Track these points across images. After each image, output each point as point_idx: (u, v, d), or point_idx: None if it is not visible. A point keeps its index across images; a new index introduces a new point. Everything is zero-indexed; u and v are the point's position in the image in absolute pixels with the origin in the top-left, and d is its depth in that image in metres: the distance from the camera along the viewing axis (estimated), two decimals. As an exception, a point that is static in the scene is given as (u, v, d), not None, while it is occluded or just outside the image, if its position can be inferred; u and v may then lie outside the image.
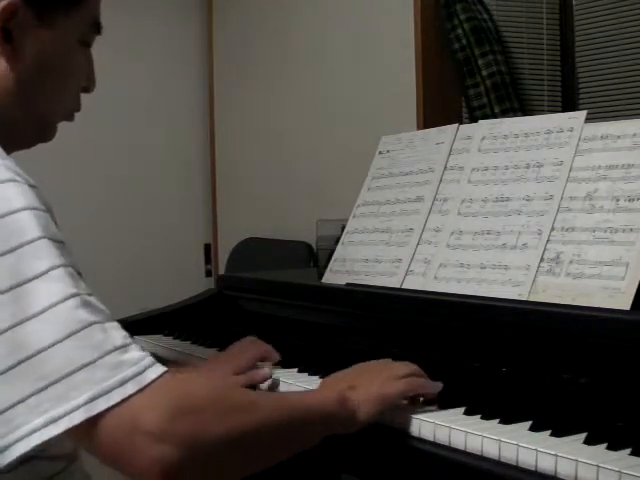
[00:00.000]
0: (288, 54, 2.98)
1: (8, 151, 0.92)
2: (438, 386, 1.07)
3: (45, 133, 1.06)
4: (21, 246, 0.81)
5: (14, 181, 0.83)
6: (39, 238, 0.82)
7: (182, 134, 3.43)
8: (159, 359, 0.85)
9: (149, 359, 0.82)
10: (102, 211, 3.19)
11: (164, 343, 1.57)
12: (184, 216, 3.43)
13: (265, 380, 1.24)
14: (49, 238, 0.83)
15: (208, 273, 3.45)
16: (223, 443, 0.83)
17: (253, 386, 1.23)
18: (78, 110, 1.08)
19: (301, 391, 1.10)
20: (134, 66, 3.23)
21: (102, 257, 3.06)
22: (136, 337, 1.63)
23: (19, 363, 0.78)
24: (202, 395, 0.84)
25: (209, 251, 3.47)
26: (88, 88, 1.08)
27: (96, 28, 1.05)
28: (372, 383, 1.03)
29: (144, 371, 0.80)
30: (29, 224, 0.82)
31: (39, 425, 0.77)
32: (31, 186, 0.85)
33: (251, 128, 3.21)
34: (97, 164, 3.13)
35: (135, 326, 1.66)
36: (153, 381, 0.80)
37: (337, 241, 1.58)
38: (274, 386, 1.24)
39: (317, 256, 1.73)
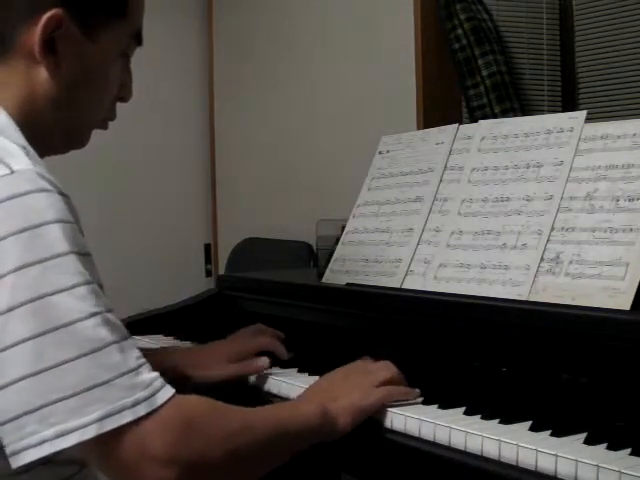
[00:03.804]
0: (288, 54, 2.98)
1: (41, 156, 0.92)
2: (415, 393, 1.09)
3: (79, 140, 1.07)
4: (48, 259, 0.81)
5: (46, 191, 0.84)
6: (67, 253, 0.82)
7: (182, 134, 3.42)
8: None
9: (159, 381, 0.85)
10: (102, 211, 3.19)
11: (164, 343, 1.57)
12: (184, 216, 3.43)
13: (257, 373, 1.26)
14: (76, 253, 0.83)
15: (208, 273, 3.45)
16: (223, 465, 0.86)
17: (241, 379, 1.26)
18: (113, 119, 1.09)
19: (285, 403, 1.12)
20: (133, 66, 3.22)
21: (102, 257, 3.05)
22: (136, 337, 1.63)
23: (35, 374, 0.79)
24: (205, 420, 0.87)
25: (209, 251, 3.47)
26: (125, 98, 1.09)
27: (138, 40, 1.06)
28: (352, 393, 1.05)
29: (155, 394, 0.83)
30: (58, 238, 0.82)
31: (49, 436, 0.79)
32: (62, 195, 0.86)
33: (251, 128, 3.21)
34: (97, 164, 3.13)
35: (135, 326, 1.65)
36: (163, 404, 0.83)
37: (337, 241, 1.58)
38: (262, 380, 1.26)
39: (317, 256, 1.73)
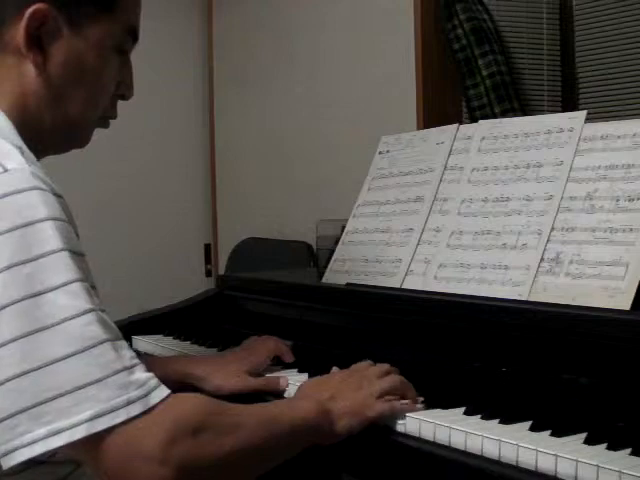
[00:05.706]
0: (288, 54, 2.97)
1: (39, 156, 0.92)
2: (418, 408, 1.05)
3: (77, 139, 1.05)
4: (41, 257, 0.80)
5: (39, 189, 0.83)
6: (60, 250, 0.82)
7: (182, 134, 3.42)
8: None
9: (154, 381, 0.84)
10: (102, 211, 3.19)
11: (164, 343, 1.57)
12: (184, 216, 3.43)
13: (278, 392, 1.21)
14: (69, 250, 0.83)
15: (208, 273, 3.45)
16: (216, 463, 0.85)
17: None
18: (113, 117, 1.07)
19: (283, 401, 1.11)
20: (134, 66, 3.22)
21: (102, 257, 3.06)
22: (136, 337, 1.63)
23: (28, 372, 0.79)
24: (199, 418, 0.85)
25: (209, 251, 3.47)
26: (125, 95, 1.07)
27: (133, 35, 1.04)
28: (353, 397, 1.03)
29: (149, 393, 0.82)
30: (51, 235, 0.82)
31: (41, 435, 0.78)
32: (56, 195, 0.85)
33: (251, 128, 3.21)
34: (96, 164, 3.13)
35: (135, 326, 1.66)
36: (157, 404, 0.82)
37: (337, 241, 1.58)
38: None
39: (317, 256, 1.73)
